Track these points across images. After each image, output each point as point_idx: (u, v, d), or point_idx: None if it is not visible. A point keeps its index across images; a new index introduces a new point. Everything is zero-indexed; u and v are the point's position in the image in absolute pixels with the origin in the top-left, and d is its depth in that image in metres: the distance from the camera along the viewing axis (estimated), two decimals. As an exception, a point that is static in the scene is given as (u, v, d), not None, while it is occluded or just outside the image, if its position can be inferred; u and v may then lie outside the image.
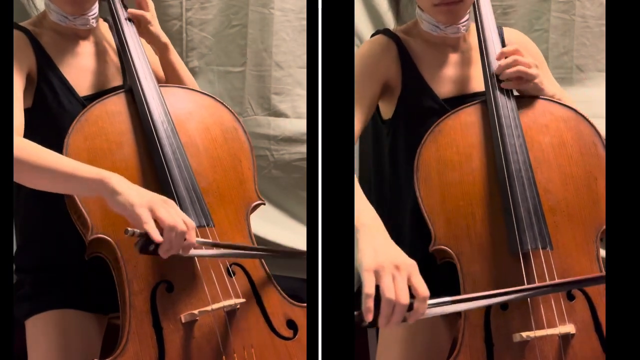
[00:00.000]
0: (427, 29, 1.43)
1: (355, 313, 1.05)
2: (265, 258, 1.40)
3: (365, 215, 1.17)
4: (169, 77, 1.52)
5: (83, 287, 1.37)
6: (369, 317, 1.02)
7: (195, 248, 1.22)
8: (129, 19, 1.43)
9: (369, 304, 1.02)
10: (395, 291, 1.03)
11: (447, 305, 1.10)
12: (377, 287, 1.03)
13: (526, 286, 1.21)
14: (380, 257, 1.06)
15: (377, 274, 1.04)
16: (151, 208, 1.16)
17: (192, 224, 1.19)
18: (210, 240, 1.29)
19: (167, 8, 1.89)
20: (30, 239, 1.43)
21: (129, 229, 1.15)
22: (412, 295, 1.05)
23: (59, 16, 1.39)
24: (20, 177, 1.22)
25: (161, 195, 1.20)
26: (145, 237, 1.15)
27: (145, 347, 1.24)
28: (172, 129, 1.35)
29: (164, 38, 1.49)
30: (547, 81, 1.39)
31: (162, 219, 1.15)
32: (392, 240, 1.13)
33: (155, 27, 1.47)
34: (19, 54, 1.33)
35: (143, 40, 1.46)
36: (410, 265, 1.07)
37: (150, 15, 1.46)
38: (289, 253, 1.39)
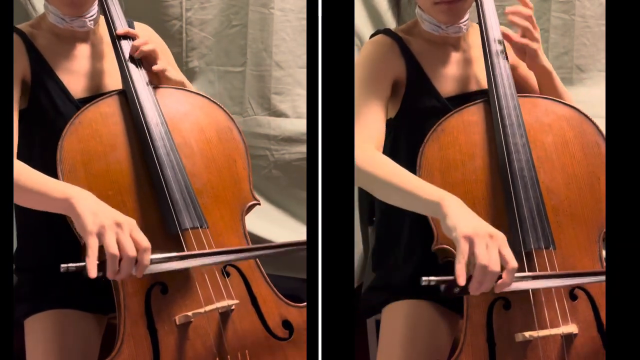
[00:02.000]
0: (429, 29, 1.43)
1: (442, 279, 1.10)
2: (262, 258, 1.39)
3: (440, 191, 1.20)
4: None
5: (82, 287, 1.36)
6: (461, 282, 1.07)
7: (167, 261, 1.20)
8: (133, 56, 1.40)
9: (462, 269, 1.08)
10: (489, 258, 1.09)
11: (528, 280, 1.16)
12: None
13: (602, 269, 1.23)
14: (474, 224, 1.12)
15: (471, 241, 1.10)
16: (100, 234, 1.13)
17: (145, 245, 1.16)
18: (175, 254, 1.25)
19: (167, 8, 1.89)
20: (30, 239, 1.42)
21: (62, 265, 1.12)
22: (502, 267, 1.10)
23: (57, 18, 1.39)
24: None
25: (119, 216, 1.17)
26: (83, 269, 1.13)
27: (140, 349, 1.23)
28: (165, 130, 1.34)
29: (180, 78, 1.47)
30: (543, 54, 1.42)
31: (106, 247, 1.13)
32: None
33: (171, 72, 1.43)
34: (14, 62, 1.33)
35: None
36: (502, 237, 1.12)
37: (164, 64, 1.41)
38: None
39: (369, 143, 1.33)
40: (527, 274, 1.19)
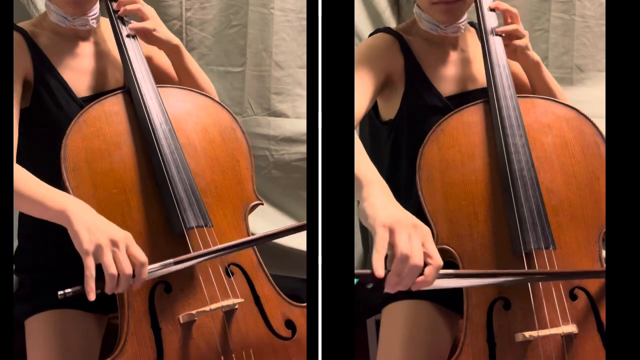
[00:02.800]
0: (427, 29, 1.44)
1: (356, 272, 0.98)
2: (263, 257, 1.39)
3: (372, 174, 1.14)
4: (183, 80, 1.49)
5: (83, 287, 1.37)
6: (379, 273, 0.96)
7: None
8: (132, 36, 1.40)
9: (379, 261, 0.96)
10: (411, 248, 0.98)
11: (450, 277, 1.06)
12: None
13: (526, 270, 1.21)
14: (396, 214, 1.02)
15: (391, 231, 1.00)
16: (97, 252, 1.13)
17: (142, 260, 1.16)
18: (177, 258, 1.24)
19: (167, 8, 1.89)
20: (30, 239, 1.42)
21: (59, 292, 1.14)
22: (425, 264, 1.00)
23: (59, 17, 1.39)
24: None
25: (115, 233, 1.16)
26: (81, 289, 1.13)
27: (143, 348, 1.23)
28: (170, 130, 1.34)
29: (175, 40, 1.45)
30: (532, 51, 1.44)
31: (104, 266, 1.13)
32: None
33: (161, 32, 1.43)
34: (15, 58, 1.33)
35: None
36: (426, 231, 1.03)
37: (152, 23, 1.42)
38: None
39: None
40: (449, 271, 1.08)
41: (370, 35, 1.50)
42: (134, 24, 1.40)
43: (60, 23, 1.39)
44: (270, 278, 1.37)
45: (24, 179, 1.22)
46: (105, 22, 1.45)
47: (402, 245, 0.98)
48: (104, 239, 1.14)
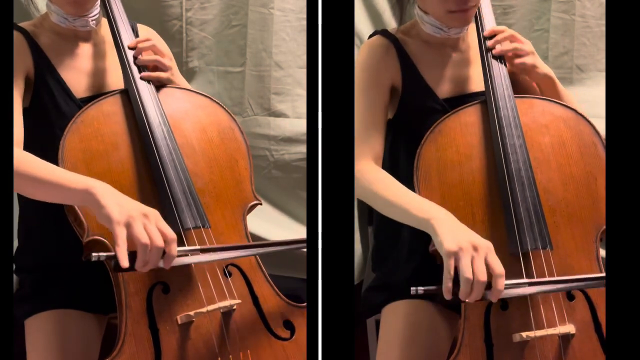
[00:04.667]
0: (430, 32, 1.42)
1: (431, 288, 1.16)
2: (262, 258, 1.39)
3: (432, 207, 1.24)
4: None
5: (83, 287, 1.37)
6: (448, 297, 1.14)
7: (183, 255, 1.21)
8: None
9: (448, 284, 1.14)
10: (474, 270, 1.13)
11: (523, 287, 1.19)
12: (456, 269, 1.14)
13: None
14: (458, 239, 1.16)
15: (456, 256, 1.14)
16: (128, 224, 1.14)
17: (172, 236, 1.17)
18: (196, 247, 1.27)
19: (167, 8, 1.89)
20: (30, 239, 1.43)
21: (93, 254, 1.14)
22: (489, 275, 1.14)
23: (60, 17, 1.39)
24: (19, 189, 1.24)
25: (144, 207, 1.17)
26: (116, 259, 1.13)
27: (141, 349, 1.24)
28: (167, 130, 1.34)
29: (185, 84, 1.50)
30: (541, 63, 1.43)
31: (137, 237, 1.13)
32: (463, 224, 1.21)
33: (175, 77, 1.46)
34: (16, 57, 1.33)
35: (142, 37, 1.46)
36: (487, 246, 1.16)
37: (169, 73, 1.43)
38: (283, 243, 1.38)
39: (368, 157, 1.35)
40: (524, 280, 1.21)
41: (369, 37, 1.50)
42: (150, 74, 1.40)
43: (60, 23, 1.40)
44: (269, 278, 1.37)
45: (37, 165, 1.22)
46: (105, 24, 1.45)
47: (464, 270, 1.13)
48: (135, 212, 1.15)
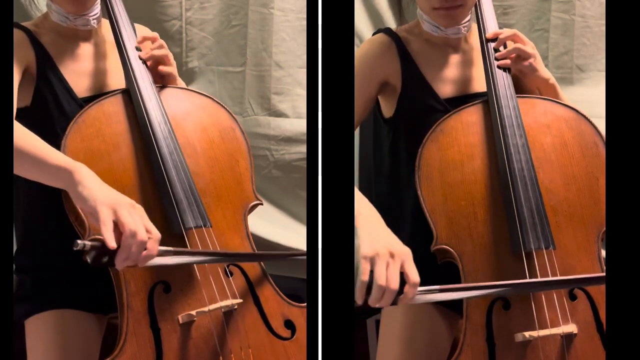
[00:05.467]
0: (428, 30, 1.43)
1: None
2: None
3: (363, 206, 1.21)
4: None
5: (83, 287, 1.37)
6: (359, 302, 1.11)
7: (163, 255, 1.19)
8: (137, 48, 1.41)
9: (361, 290, 1.10)
10: (387, 277, 1.10)
11: (435, 293, 1.15)
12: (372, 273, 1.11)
13: (526, 281, 1.23)
14: (376, 245, 1.12)
15: (372, 261, 1.11)
16: (115, 209, 1.11)
17: (157, 234, 1.15)
18: (182, 249, 1.26)
19: (166, 8, 1.89)
20: (30, 239, 1.42)
21: (78, 241, 1.08)
22: (404, 282, 1.11)
23: (60, 16, 1.39)
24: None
25: (130, 200, 1.16)
26: (98, 247, 1.08)
27: (142, 348, 1.23)
28: (169, 130, 1.34)
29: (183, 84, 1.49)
30: (542, 67, 1.42)
31: (124, 222, 1.10)
32: (388, 229, 1.17)
33: (178, 80, 1.46)
34: (18, 50, 1.33)
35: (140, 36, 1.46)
36: (404, 254, 1.13)
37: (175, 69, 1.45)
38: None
39: None
40: (432, 287, 1.15)
41: (373, 35, 1.50)
42: (163, 68, 1.41)
43: (61, 23, 1.40)
44: (270, 278, 1.37)
45: (25, 137, 1.19)
46: (105, 24, 1.45)
47: (378, 277, 1.10)
48: (122, 198, 1.14)
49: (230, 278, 1.33)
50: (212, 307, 1.28)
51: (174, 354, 1.25)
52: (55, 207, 1.31)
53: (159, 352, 1.24)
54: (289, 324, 1.36)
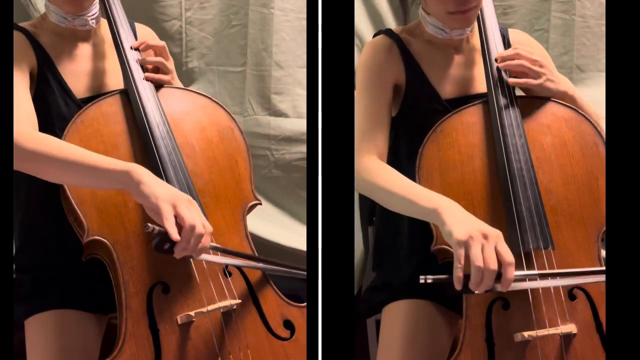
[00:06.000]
0: (432, 32, 1.42)
1: (441, 277, 1.13)
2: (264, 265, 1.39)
3: (438, 198, 1.23)
4: None
5: (82, 287, 1.37)
6: (458, 287, 1.12)
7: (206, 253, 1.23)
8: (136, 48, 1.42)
9: (459, 273, 1.12)
10: (484, 258, 1.12)
11: (533, 279, 1.18)
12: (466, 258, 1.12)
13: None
14: (468, 227, 1.14)
15: (466, 245, 1.13)
16: (174, 204, 1.16)
17: (209, 228, 1.19)
18: (220, 246, 1.29)
19: (166, 8, 1.89)
20: (30, 239, 1.42)
21: (149, 224, 1.15)
22: (499, 263, 1.12)
23: (59, 17, 1.39)
24: (44, 172, 1.23)
25: (187, 196, 1.20)
26: (163, 234, 1.15)
27: (141, 349, 1.23)
28: (167, 130, 1.34)
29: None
30: (555, 82, 1.39)
31: (184, 217, 1.16)
32: (471, 214, 1.19)
33: (175, 81, 1.47)
34: (21, 53, 1.33)
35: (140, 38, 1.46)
36: (497, 234, 1.15)
37: (171, 77, 1.45)
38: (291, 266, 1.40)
39: (372, 153, 1.34)
40: (532, 272, 1.20)
41: (374, 36, 1.50)
42: (154, 76, 1.41)
43: (60, 23, 1.40)
44: (269, 278, 1.37)
45: (72, 149, 1.22)
46: (104, 24, 1.45)
47: (475, 258, 1.12)
48: (180, 195, 1.19)
49: (229, 278, 1.33)
50: (210, 307, 1.28)
51: (173, 355, 1.25)
52: (55, 207, 1.31)
53: (158, 353, 1.24)
54: (288, 324, 1.36)
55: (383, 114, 1.39)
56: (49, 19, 1.41)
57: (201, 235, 1.17)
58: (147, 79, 1.39)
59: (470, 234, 1.13)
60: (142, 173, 1.18)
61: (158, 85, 1.41)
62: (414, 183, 1.28)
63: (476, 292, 1.13)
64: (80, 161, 1.20)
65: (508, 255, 1.13)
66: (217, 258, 1.28)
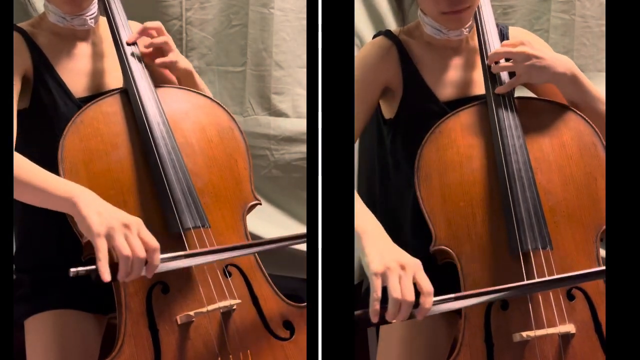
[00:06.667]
0: (430, 33, 1.42)
1: (358, 312, 1.12)
2: (262, 258, 1.39)
3: (366, 222, 1.21)
4: None
5: (82, 287, 1.37)
6: (375, 319, 1.09)
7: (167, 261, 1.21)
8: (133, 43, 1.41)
9: (375, 306, 1.09)
10: (402, 290, 1.09)
11: (450, 302, 1.15)
12: (384, 289, 1.10)
13: (527, 282, 1.22)
14: (386, 259, 1.12)
15: (384, 276, 1.11)
16: (109, 235, 1.13)
17: (154, 245, 1.16)
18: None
19: (167, 8, 1.89)
20: (30, 239, 1.43)
21: (72, 270, 1.12)
22: (417, 293, 1.11)
23: (57, 17, 1.39)
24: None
25: (126, 217, 1.17)
26: (96, 272, 1.12)
27: (141, 349, 1.23)
28: (167, 130, 1.34)
29: (189, 66, 1.46)
30: (548, 65, 1.33)
31: (118, 248, 1.13)
32: (394, 243, 1.18)
33: (181, 62, 1.44)
34: (15, 57, 1.33)
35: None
36: (415, 264, 1.13)
37: (175, 55, 1.43)
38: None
39: None
40: (447, 296, 1.16)
41: (374, 37, 1.50)
42: (162, 59, 1.40)
43: (58, 23, 1.40)
44: (269, 278, 1.37)
45: (25, 167, 1.21)
46: (103, 23, 1.45)
47: (393, 290, 1.09)
48: (116, 222, 1.14)
49: (229, 278, 1.33)
50: (210, 307, 1.28)
51: (172, 355, 1.25)
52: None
53: (157, 353, 1.24)
54: (288, 325, 1.35)
55: (360, 112, 1.39)
56: (47, 18, 1.41)
57: (141, 260, 1.14)
58: (158, 64, 1.38)
59: (387, 265, 1.11)
60: (83, 204, 1.16)
61: (158, 85, 1.41)
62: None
63: (393, 322, 1.11)
64: (28, 180, 1.20)
65: (427, 285, 1.12)
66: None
